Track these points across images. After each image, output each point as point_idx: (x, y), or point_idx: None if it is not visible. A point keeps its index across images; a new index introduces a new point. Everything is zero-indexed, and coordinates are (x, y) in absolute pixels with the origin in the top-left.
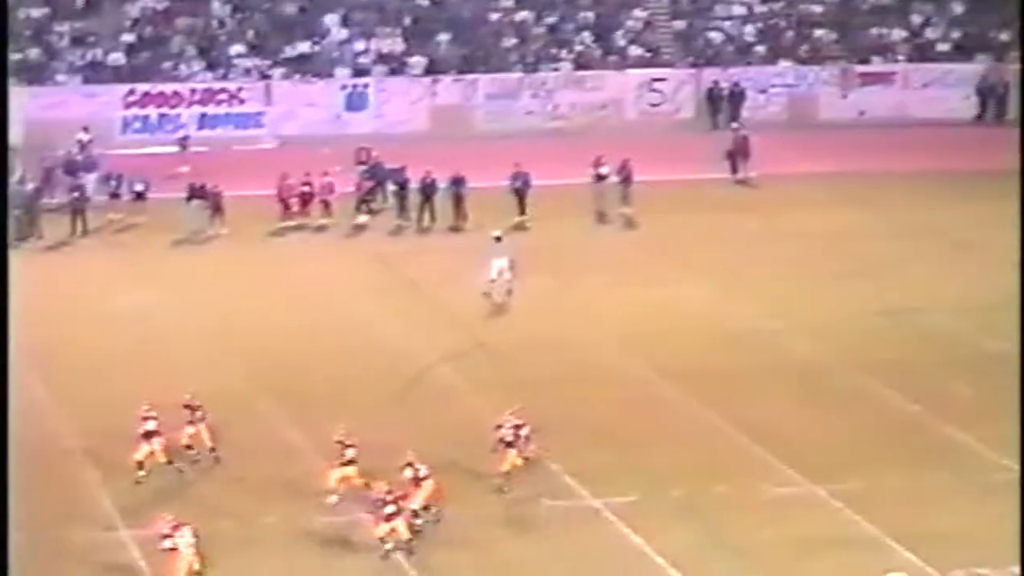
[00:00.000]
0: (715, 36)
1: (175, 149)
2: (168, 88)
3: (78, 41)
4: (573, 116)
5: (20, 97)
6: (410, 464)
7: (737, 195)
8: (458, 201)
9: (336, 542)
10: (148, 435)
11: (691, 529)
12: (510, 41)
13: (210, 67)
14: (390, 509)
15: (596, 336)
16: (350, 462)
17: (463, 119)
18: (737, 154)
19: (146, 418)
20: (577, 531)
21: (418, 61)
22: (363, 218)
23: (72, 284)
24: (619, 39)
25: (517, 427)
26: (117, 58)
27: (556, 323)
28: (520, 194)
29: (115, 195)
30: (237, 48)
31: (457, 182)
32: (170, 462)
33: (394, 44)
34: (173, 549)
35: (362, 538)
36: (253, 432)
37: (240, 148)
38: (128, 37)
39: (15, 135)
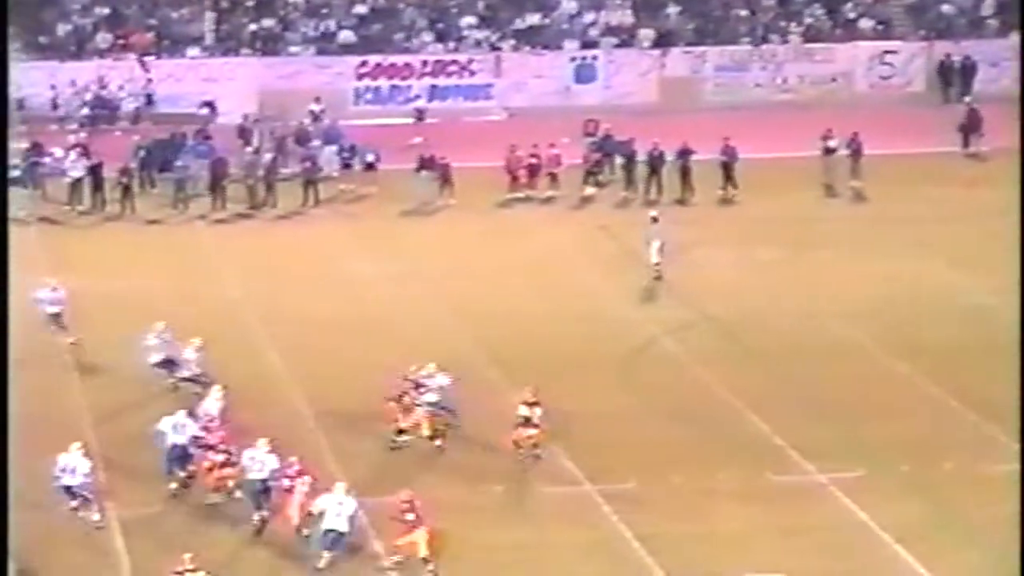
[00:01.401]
0: (947, 9)
1: (406, 120)
2: (400, 60)
3: (312, 12)
4: (802, 88)
5: (254, 67)
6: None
7: (968, 169)
8: (685, 173)
9: (561, 512)
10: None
11: (917, 505)
12: (740, 13)
13: (441, 39)
14: (409, 517)
15: (823, 309)
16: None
17: (692, 91)
18: (969, 127)
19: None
20: (803, 506)
21: (647, 33)
22: (590, 190)
23: (304, 253)
24: (849, 11)
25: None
26: (350, 30)
27: (783, 296)
28: (727, 168)
29: (347, 165)
30: (468, 20)
31: (684, 154)
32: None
33: (624, 16)
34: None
35: (587, 510)
36: (480, 398)
37: (470, 119)
38: (361, 8)
39: (251, 105)
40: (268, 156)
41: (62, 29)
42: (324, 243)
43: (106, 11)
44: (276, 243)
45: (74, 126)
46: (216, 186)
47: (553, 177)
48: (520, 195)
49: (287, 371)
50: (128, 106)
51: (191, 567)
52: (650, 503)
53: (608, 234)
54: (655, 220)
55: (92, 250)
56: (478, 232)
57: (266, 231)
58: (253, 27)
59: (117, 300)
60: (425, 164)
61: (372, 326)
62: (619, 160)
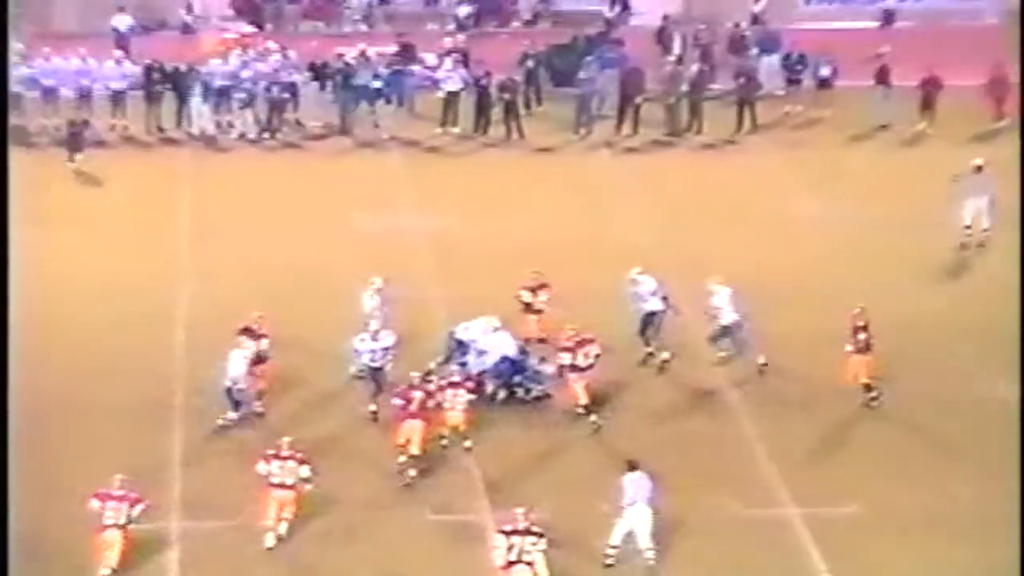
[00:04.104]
0: None
1: (874, 24)
2: None
3: None
4: None
5: None
6: None
7: None
8: None
9: None
10: None
11: None
12: None
13: None
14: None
15: None
16: None
17: None
18: None
19: None
20: None
21: None
22: None
23: (734, 190)
24: None
25: None
26: None
27: None
28: None
29: (794, 81)
30: None
31: None
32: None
33: None
34: None
35: None
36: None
37: (956, 24)
38: None
39: (673, 3)
40: (694, 68)
41: None
42: (760, 178)
43: None
44: (700, 178)
45: (452, 27)
46: (627, 105)
47: None
48: (1002, 125)
49: (702, 330)
50: (521, 3)
51: None
52: None
53: None
54: (979, 169)
55: (467, 183)
56: (951, 167)
57: (688, 162)
58: None
59: (494, 246)
60: (888, 80)
61: (812, 280)
62: None
